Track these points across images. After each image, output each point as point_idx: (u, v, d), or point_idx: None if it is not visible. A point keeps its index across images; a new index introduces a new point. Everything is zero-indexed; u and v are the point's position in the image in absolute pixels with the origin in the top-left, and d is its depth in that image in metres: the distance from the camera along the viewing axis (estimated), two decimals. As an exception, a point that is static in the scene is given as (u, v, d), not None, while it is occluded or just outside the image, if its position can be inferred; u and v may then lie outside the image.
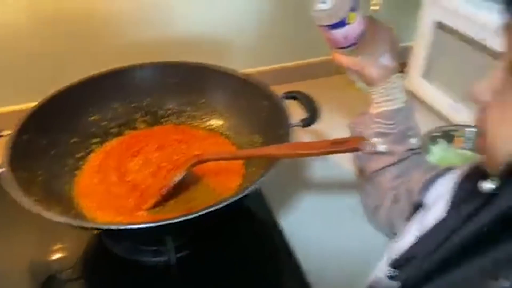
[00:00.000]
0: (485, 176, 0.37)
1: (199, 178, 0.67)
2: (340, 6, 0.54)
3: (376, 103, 0.61)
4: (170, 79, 0.78)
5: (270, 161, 0.59)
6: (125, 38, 0.87)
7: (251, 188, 0.54)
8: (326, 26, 0.55)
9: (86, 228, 0.57)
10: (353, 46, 0.58)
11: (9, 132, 0.62)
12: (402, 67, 1.02)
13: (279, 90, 0.72)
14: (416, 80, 0.98)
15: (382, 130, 0.60)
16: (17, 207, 0.52)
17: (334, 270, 0.62)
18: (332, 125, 0.77)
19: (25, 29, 0.80)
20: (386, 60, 0.59)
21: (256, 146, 0.71)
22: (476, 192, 0.39)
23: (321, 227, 0.69)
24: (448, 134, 0.77)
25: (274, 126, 0.67)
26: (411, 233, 0.48)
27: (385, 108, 0.60)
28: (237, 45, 0.96)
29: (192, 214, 0.50)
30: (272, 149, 0.58)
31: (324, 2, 0.54)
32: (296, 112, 0.68)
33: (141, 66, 0.77)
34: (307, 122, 0.65)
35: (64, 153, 0.69)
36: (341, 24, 0.55)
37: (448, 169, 0.54)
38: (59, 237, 0.65)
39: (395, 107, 0.60)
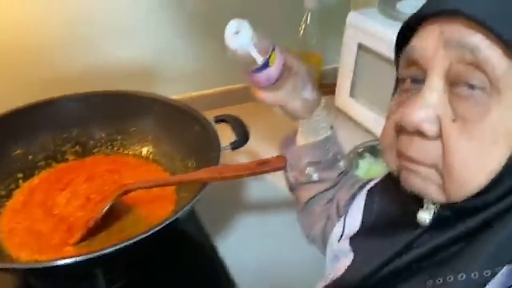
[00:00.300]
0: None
1: (130, 207, 0.66)
2: (263, 49, 0.52)
3: (305, 134, 0.61)
4: (100, 108, 0.77)
5: (202, 185, 0.60)
6: (54, 68, 0.85)
7: (180, 213, 0.54)
8: (249, 70, 0.53)
9: (7, 270, 0.54)
10: (275, 83, 0.56)
11: None
12: (332, 87, 1.08)
13: (210, 115, 0.73)
14: (344, 98, 1.03)
15: (313, 160, 0.61)
16: None
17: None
18: (262, 147, 0.79)
19: None
20: (309, 94, 0.58)
21: (189, 171, 0.71)
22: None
23: (259, 248, 0.70)
24: (373, 148, 0.82)
25: (205, 150, 0.68)
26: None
27: (314, 139, 0.61)
28: (167, 72, 0.97)
29: (118, 244, 0.50)
30: (200, 174, 0.58)
31: (236, 37, 0.50)
32: (227, 135, 0.70)
33: (70, 97, 0.76)
34: (237, 145, 0.67)
35: (-15, 191, 0.65)
36: (263, 68, 0.53)
37: (369, 180, 0.58)
38: None
39: (324, 136, 0.61)
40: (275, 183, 0.81)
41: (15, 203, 0.67)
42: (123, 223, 0.64)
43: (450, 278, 0.34)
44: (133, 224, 0.64)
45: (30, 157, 0.73)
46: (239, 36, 0.50)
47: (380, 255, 0.41)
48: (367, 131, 0.98)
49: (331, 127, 0.62)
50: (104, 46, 0.89)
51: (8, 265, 0.53)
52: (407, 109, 0.34)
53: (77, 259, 0.49)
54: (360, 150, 0.81)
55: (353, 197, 0.57)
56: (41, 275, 0.59)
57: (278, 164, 0.54)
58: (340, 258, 0.50)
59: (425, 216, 0.37)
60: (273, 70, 0.54)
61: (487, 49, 0.31)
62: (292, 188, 0.67)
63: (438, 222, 0.37)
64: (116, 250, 0.50)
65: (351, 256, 0.48)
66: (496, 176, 0.32)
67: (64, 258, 0.49)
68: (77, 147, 0.77)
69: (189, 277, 0.65)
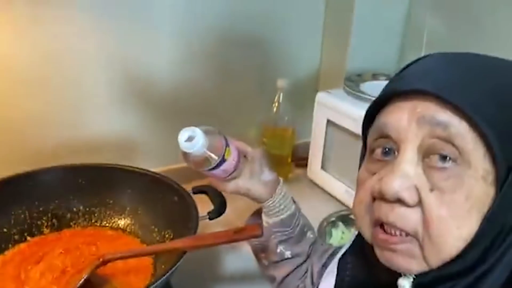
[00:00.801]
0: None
1: (107, 279, 0.66)
2: (216, 149, 0.55)
3: (270, 214, 0.63)
4: (77, 181, 0.78)
5: (179, 256, 0.61)
6: (28, 142, 0.87)
7: (156, 283, 0.55)
8: (201, 170, 0.57)
9: None
10: (234, 172, 0.60)
11: None
12: (304, 160, 1.14)
13: (188, 187, 0.76)
14: (315, 171, 1.08)
15: (283, 238, 0.63)
16: None
17: None
18: (239, 217, 0.81)
19: None
20: (267, 176, 0.62)
21: (166, 242, 0.72)
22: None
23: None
24: (346, 218, 0.85)
25: (183, 221, 0.69)
26: None
27: (281, 217, 0.63)
28: (144, 146, 1.00)
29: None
30: (177, 243, 0.60)
31: (190, 144, 0.53)
32: (205, 206, 0.72)
33: (46, 170, 0.77)
34: (214, 215, 0.69)
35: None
36: (220, 164, 0.56)
37: (340, 247, 0.60)
38: None
39: (289, 213, 0.63)
40: (251, 254, 0.82)
41: (-14, 278, 0.65)
42: (99, 297, 0.63)
43: None
44: (109, 298, 0.63)
45: (4, 230, 0.72)
46: (193, 142, 0.53)
47: None
48: (339, 201, 1.02)
49: (294, 201, 0.65)
50: (82, 120, 0.92)
51: None
52: (386, 178, 0.36)
53: None
54: (333, 219, 0.84)
55: (325, 265, 0.59)
56: None
57: (254, 232, 0.56)
58: None
59: (404, 283, 0.38)
60: (229, 163, 0.57)
61: (456, 125, 0.34)
62: (265, 269, 0.67)
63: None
64: None
65: None
66: (470, 242, 0.34)
67: None
68: (53, 220, 0.77)
69: None
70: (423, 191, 0.35)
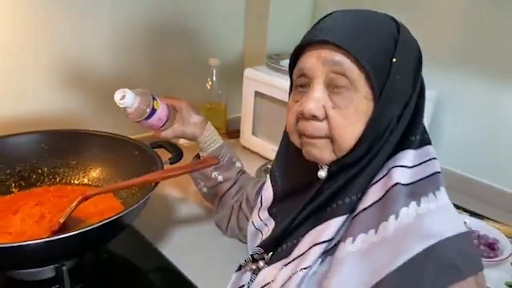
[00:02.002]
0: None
1: (82, 221, 0.75)
2: (145, 102, 0.73)
3: (203, 148, 0.82)
4: (40, 146, 0.86)
5: (151, 188, 0.73)
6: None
7: (131, 208, 0.66)
8: (140, 120, 0.75)
9: None
10: (167, 121, 0.78)
11: None
12: (236, 132, 1.30)
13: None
14: (247, 137, 1.25)
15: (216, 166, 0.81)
16: None
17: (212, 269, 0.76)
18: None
19: None
20: (195, 118, 0.81)
21: (132, 192, 0.83)
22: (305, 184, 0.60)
23: (194, 248, 0.83)
24: (277, 166, 1.03)
25: (147, 169, 0.81)
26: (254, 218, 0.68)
27: (212, 149, 0.82)
28: (85, 124, 1.07)
29: (84, 228, 0.60)
30: (150, 176, 0.72)
31: (124, 100, 0.70)
32: (164, 157, 0.85)
33: (10, 136, 0.84)
34: (174, 160, 0.82)
35: None
36: (152, 114, 0.74)
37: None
38: None
39: (218, 145, 0.83)
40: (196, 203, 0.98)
41: (-33, 228, 0.71)
42: (79, 232, 0.73)
43: (340, 203, 0.54)
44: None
45: (-25, 190, 0.78)
46: (125, 98, 0.72)
47: (295, 209, 0.59)
48: (268, 159, 1.20)
49: (221, 139, 0.84)
50: (25, 96, 0.99)
51: None
52: (305, 103, 0.54)
53: (45, 240, 0.58)
54: (266, 167, 1.02)
55: (259, 190, 0.77)
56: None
57: (212, 161, 0.71)
58: (263, 229, 0.68)
59: (322, 173, 0.57)
60: (160, 112, 0.77)
61: (347, 63, 0.51)
62: (206, 196, 0.87)
63: (330, 176, 0.57)
64: (76, 235, 0.59)
65: (272, 223, 0.66)
66: (357, 141, 0.53)
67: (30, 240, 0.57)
68: (21, 181, 0.84)
69: (139, 274, 0.76)
70: (328, 109, 0.53)
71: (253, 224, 0.70)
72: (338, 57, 0.52)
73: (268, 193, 0.68)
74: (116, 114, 0.76)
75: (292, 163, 0.64)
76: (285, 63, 1.19)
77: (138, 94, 0.73)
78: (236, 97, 1.37)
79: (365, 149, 0.54)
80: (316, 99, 0.53)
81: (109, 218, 0.62)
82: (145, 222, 0.83)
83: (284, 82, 1.10)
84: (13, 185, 0.83)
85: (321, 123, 0.54)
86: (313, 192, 0.58)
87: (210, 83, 1.24)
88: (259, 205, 0.70)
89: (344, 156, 0.54)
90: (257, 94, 1.19)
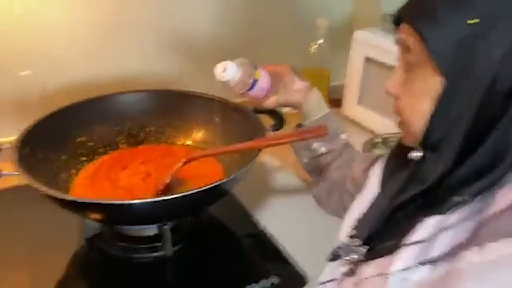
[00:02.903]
0: (408, 150, 0.51)
1: (184, 182, 0.75)
2: (247, 73, 0.70)
3: (307, 116, 0.76)
4: (150, 104, 0.88)
5: (247, 161, 0.71)
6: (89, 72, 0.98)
7: (236, 174, 0.64)
8: (242, 92, 0.72)
9: (89, 206, 0.61)
10: (270, 90, 0.74)
11: (8, 146, 0.68)
12: (338, 102, 1.22)
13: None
14: (351, 106, 1.16)
15: None
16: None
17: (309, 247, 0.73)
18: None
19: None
20: (298, 85, 0.75)
21: (235, 155, 0.81)
22: (403, 164, 0.53)
23: (290, 220, 0.80)
24: (386, 140, 0.94)
25: (248, 134, 0.78)
26: (354, 208, 0.61)
27: (316, 117, 0.75)
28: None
29: (189, 191, 0.59)
30: (252, 143, 0.69)
31: (225, 73, 0.68)
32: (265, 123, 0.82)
33: (121, 94, 0.87)
34: (277, 127, 0.78)
35: (58, 168, 0.74)
36: (254, 84, 0.71)
37: (379, 156, 0.70)
38: (53, 241, 0.71)
39: (323, 113, 0.76)
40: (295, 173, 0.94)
41: (82, 179, 0.76)
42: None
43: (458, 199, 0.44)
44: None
45: (90, 144, 0.82)
46: (227, 71, 0.69)
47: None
48: (373, 132, 1.11)
49: (328, 107, 0.76)
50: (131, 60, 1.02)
51: (97, 200, 0.60)
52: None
53: (152, 200, 0.60)
54: (375, 141, 0.93)
55: (369, 167, 0.69)
56: (116, 218, 0.67)
57: (319, 131, 0.65)
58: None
59: (413, 153, 0.50)
60: (263, 82, 0.73)
61: (412, 41, 0.44)
62: (306, 167, 0.80)
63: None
64: (180, 198, 0.59)
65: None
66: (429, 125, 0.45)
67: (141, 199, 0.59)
68: (129, 138, 0.87)
69: (236, 243, 0.76)
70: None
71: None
72: (407, 36, 0.46)
73: (378, 168, 0.62)
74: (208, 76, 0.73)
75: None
76: (402, 25, 1.07)
77: (239, 65, 0.70)
78: (340, 62, 1.28)
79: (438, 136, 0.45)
80: (394, 75, 0.49)
81: (211, 183, 0.61)
82: (243, 188, 0.80)
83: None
84: (123, 141, 0.86)
85: (395, 103, 0.49)
86: (406, 174, 0.51)
87: (314, 46, 1.16)
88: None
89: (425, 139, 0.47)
90: (367, 59, 1.09)
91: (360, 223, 0.57)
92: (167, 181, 0.69)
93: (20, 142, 0.68)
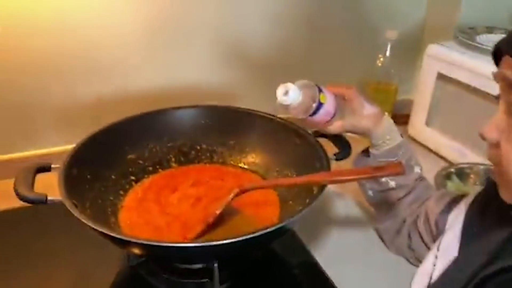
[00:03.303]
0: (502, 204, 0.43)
1: (237, 210, 0.70)
2: (310, 96, 0.63)
3: (377, 145, 0.67)
4: (203, 121, 0.82)
5: (307, 194, 0.64)
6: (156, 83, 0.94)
7: (297, 216, 0.57)
8: (304, 117, 0.65)
9: (136, 245, 0.56)
10: (336, 114, 0.67)
11: (58, 165, 0.65)
12: (403, 118, 1.12)
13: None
14: (418, 127, 1.06)
15: None
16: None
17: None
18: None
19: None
20: (368, 110, 0.66)
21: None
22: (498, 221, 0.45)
23: (350, 259, 0.72)
24: (461, 171, 0.84)
25: (308, 161, 0.71)
26: (430, 258, 0.53)
27: (387, 147, 0.67)
28: (242, 98, 1.04)
29: (245, 235, 0.53)
30: (315, 177, 0.62)
31: (286, 97, 0.61)
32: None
33: (176, 109, 0.82)
34: (341, 156, 0.70)
35: (106, 188, 0.71)
36: (318, 108, 0.64)
37: (461, 196, 0.60)
38: (96, 265, 0.68)
39: (395, 143, 0.67)
40: (357, 202, 0.86)
41: (130, 201, 0.72)
42: (232, 224, 0.67)
43: None
44: (243, 226, 0.67)
45: (140, 161, 0.78)
46: (288, 95, 0.62)
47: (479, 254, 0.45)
48: (443, 158, 1.00)
49: (401, 135, 0.68)
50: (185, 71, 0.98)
51: (142, 241, 0.54)
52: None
53: (203, 244, 0.53)
54: (448, 171, 0.83)
55: (446, 211, 0.60)
56: (161, 258, 0.63)
57: (396, 169, 0.57)
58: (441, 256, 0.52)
59: None
60: (327, 106, 0.65)
61: None
62: (370, 200, 0.72)
63: None
64: (235, 242, 0.53)
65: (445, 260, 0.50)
66: None
67: (191, 242, 0.55)
68: (180, 156, 0.82)
69: (289, 283, 0.68)
70: (501, 133, 0.41)
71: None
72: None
73: (457, 227, 0.53)
74: (272, 92, 0.66)
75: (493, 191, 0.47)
76: (483, 39, 0.95)
77: (302, 87, 0.63)
78: (409, 76, 1.18)
79: None
80: (493, 119, 0.43)
81: (269, 227, 0.54)
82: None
83: (479, 64, 0.88)
84: (173, 159, 0.82)
85: (492, 150, 0.43)
86: (504, 236, 0.44)
87: (381, 59, 1.07)
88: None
89: None
90: (440, 76, 0.98)
91: None
92: (218, 212, 0.63)
93: (67, 163, 0.64)
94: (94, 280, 0.67)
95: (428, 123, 1.04)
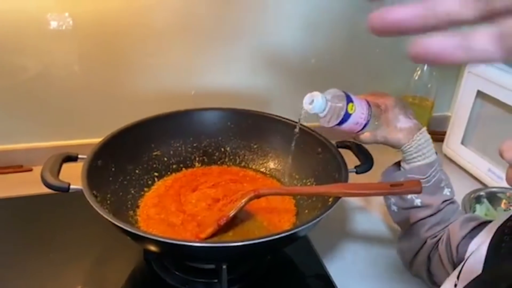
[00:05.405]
0: None
1: (252, 215, 0.70)
2: (337, 106, 0.62)
3: (408, 159, 0.64)
4: (230, 123, 0.84)
5: (324, 204, 0.63)
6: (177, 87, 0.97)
7: (311, 223, 0.57)
8: (335, 125, 0.63)
9: (148, 240, 0.57)
10: (368, 124, 0.64)
11: (84, 156, 0.68)
12: (439, 134, 1.08)
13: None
14: (454, 146, 1.02)
15: None
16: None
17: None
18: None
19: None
20: (403, 123, 0.63)
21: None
22: None
23: (365, 276, 0.70)
24: (493, 195, 0.79)
25: (328, 171, 0.71)
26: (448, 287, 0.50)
27: (417, 164, 0.63)
28: (275, 104, 1.04)
29: (252, 240, 0.53)
30: (331, 188, 0.61)
31: (312, 106, 0.61)
32: (348, 160, 0.73)
33: (204, 110, 0.84)
34: (362, 169, 0.69)
35: (129, 182, 0.73)
36: (346, 118, 0.62)
37: (486, 222, 0.57)
38: (113, 256, 0.70)
39: (427, 161, 0.63)
40: (379, 217, 0.83)
41: (151, 196, 0.74)
42: (246, 227, 0.68)
43: None
44: (256, 230, 0.67)
45: (165, 159, 0.81)
46: (314, 103, 0.61)
47: None
48: (477, 180, 0.96)
49: (436, 153, 0.64)
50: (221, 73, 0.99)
51: (156, 237, 0.55)
52: None
53: (212, 245, 0.54)
54: (478, 194, 0.79)
55: (470, 236, 0.57)
56: (173, 255, 0.64)
57: (413, 188, 0.55)
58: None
59: None
60: (357, 116, 0.62)
61: None
62: (395, 216, 0.69)
63: None
64: (245, 246, 0.53)
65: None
66: None
67: (197, 242, 0.55)
68: (203, 157, 0.84)
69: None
70: None
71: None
72: None
73: (479, 253, 0.50)
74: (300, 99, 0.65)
75: None
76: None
77: (329, 97, 0.62)
78: (447, 92, 1.14)
79: None
80: None
81: (280, 233, 0.54)
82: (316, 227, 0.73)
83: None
84: (197, 159, 0.83)
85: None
86: None
87: (419, 72, 1.04)
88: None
89: None
90: (480, 94, 0.94)
91: None
92: (231, 215, 0.64)
93: (93, 154, 0.67)
94: (109, 271, 0.69)
95: (464, 142, 1.00)
